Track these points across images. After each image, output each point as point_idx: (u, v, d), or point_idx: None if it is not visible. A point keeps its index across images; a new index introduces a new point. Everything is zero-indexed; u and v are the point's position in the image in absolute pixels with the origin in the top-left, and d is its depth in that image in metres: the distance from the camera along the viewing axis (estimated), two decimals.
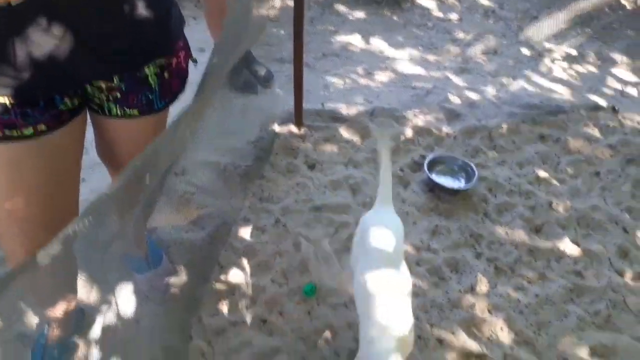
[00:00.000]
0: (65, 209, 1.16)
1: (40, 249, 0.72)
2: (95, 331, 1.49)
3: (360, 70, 2.97)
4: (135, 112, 1.14)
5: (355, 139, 2.47)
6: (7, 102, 0.95)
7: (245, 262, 1.86)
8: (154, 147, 0.95)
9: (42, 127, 1.01)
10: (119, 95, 1.09)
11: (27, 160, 1.03)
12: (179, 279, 1.73)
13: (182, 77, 1.20)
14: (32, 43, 0.91)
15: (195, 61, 1.25)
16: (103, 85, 1.07)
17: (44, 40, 0.92)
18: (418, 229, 2.04)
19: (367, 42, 3.25)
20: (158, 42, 1.10)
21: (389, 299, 1.29)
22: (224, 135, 2.28)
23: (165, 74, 1.13)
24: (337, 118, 2.56)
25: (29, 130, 0.99)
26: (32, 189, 1.06)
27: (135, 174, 0.92)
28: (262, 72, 2.72)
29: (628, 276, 1.87)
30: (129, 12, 1.00)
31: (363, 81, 2.89)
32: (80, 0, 0.92)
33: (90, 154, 2.25)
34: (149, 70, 1.09)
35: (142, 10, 1.01)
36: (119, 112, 1.13)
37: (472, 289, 1.82)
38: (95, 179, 1.92)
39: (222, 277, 1.80)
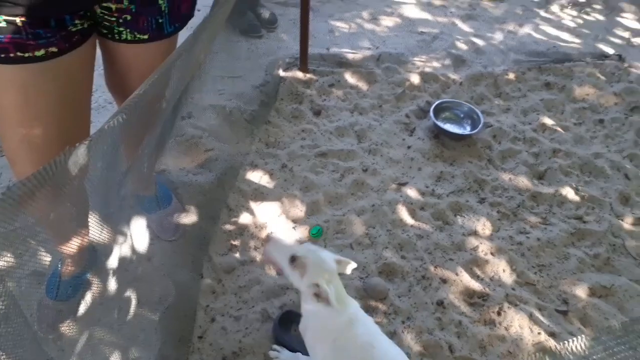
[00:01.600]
0: (78, 137, 1.16)
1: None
2: (108, 268, 1.53)
3: (365, 14, 2.91)
4: (145, 36, 1.12)
5: (361, 84, 2.45)
6: (19, 22, 0.93)
7: (253, 205, 1.88)
8: (163, 69, 0.93)
9: (54, 49, 0.99)
10: (129, 17, 1.07)
11: (40, 82, 1.01)
12: (188, 219, 1.75)
13: (191, 0, 1.18)
14: None
15: None
16: (113, 7, 1.05)
17: None
18: (423, 175, 2.06)
19: None
20: None
21: None
22: (229, 79, 2.25)
23: None
24: (343, 63, 2.52)
25: (40, 52, 0.97)
26: (44, 112, 1.05)
27: (146, 94, 0.91)
28: (266, 14, 2.65)
29: (628, 221, 1.90)
30: None
31: (368, 26, 2.83)
32: None
33: (96, 95, 2.23)
34: None
35: None
36: (129, 36, 1.11)
37: (475, 233, 1.85)
38: (101, 121, 1.90)
39: (231, 218, 1.82)
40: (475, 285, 1.68)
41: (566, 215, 1.93)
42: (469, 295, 1.66)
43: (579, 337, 0.94)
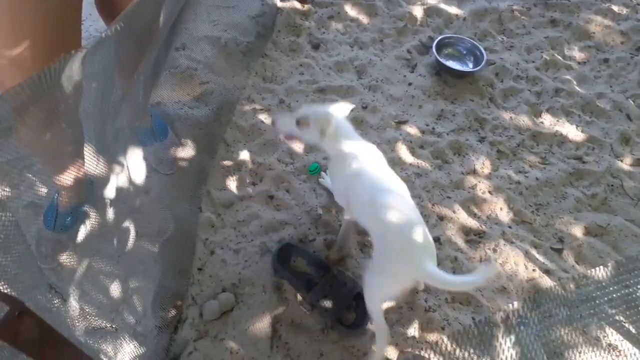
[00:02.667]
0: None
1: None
2: (106, 200, 1.51)
3: None
4: None
5: (362, 17, 2.35)
6: None
7: (251, 140, 1.84)
8: None
9: None
10: None
11: (28, 3, 0.95)
12: (185, 152, 1.72)
13: None
14: None
15: None
16: None
17: None
18: (423, 113, 2.02)
19: None
20: None
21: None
22: (224, 9, 2.15)
23: None
24: None
25: None
26: (32, 31, 1.00)
27: (140, 8, 0.85)
28: None
29: (627, 162, 1.90)
30: None
31: None
32: None
33: (85, 24, 2.13)
34: None
35: None
36: None
37: (474, 171, 1.85)
38: None
39: (229, 154, 1.79)
40: (472, 223, 1.69)
41: (566, 155, 1.92)
42: (466, 233, 1.67)
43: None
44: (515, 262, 1.59)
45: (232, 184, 1.72)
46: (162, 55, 1.51)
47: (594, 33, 2.41)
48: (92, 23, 2.13)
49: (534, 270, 1.57)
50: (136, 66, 1.12)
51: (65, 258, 1.40)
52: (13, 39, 0.98)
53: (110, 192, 1.52)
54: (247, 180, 1.73)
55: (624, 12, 2.52)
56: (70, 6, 1.05)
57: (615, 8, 2.53)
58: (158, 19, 0.94)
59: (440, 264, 1.57)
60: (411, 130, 1.95)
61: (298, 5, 2.32)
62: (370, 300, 1.26)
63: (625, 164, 1.89)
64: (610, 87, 2.18)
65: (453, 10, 2.41)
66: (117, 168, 1.56)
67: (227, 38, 2.10)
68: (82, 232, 1.42)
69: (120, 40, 0.79)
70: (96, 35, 2.08)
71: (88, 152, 1.14)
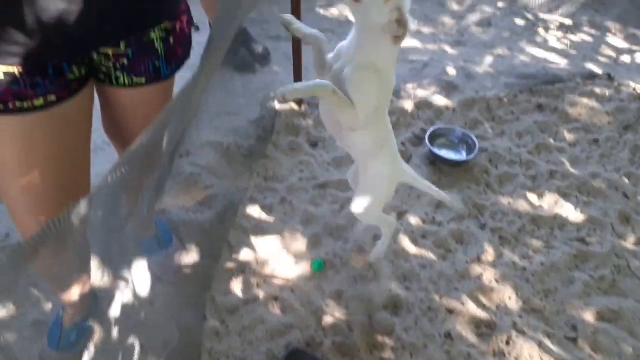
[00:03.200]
0: (78, 185, 1.16)
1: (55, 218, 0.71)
2: (111, 314, 1.50)
3: None
4: (142, 80, 1.13)
5: None
6: (17, 72, 0.93)
7: (254, 240, 1.87)
8: (163, 117, 0.94)
9: (52, 97, 0.99)
10: (126, 62, 1.08)
11: (39, 132, 1.01)
12: (190, 259, 1.73)
13: (186, 42, 1.19)
14: (41, 8, 0.89)
15: (197, 28, 1.24)
16: (110, 52, 1.06)
17: (54, 5, 0.90)
18: (422, 203, 2.06)
19: None
20: (163, 5, 1.09)
21: None
22: (225, 115, 2.26)
23: (171, 39, 1.12)
24: None
25: (39, 101, 0.98)
26: (44, 162, 1.05)
27: (146, 143, 0.91)
28: (259, 49, 2.69)
29: (631, 241, 1.90)
30: None
31: None
32: None
33: (93, 136, 2.23)
34: (155, 35, 1.09)
35: None
36: (126, 80, 1.12)
37: (478, 260, 1.84)
38: (99, 163, 1.89)
39: (233, 256, 1.81)
40: (482, 315, 1.66)
41: (568, 237, 1.93)
42: (477, 325, 1.64)
43: None
44: (530, 355, 1.54)
45: (236, 287, 1.72)
46: (168, 168, 1.57)
47: (580, 115, 2.50)
48: (100, 136, 2.23)
49: None
50: (142, 186, 1.17)
51: None
52: (24, 168, 1.03)
53: (115, 305, 1.51)
54: (252, 282, 1.73)
55: (607, 93, 2.63)
56: (79, 130, 1.12)
57: (597, 90, 2.65)
58: (162, 146, 1.00)
59: None
60: (412, 220, 1.98)
61: (295, 107, 2.45)
62: (374, 212, 1.57)
63: (629, 244, 1.89)
64: (603, 166, 2.23)
65: (442, 102, 2.53)
66: (122, 281, 1.56)
67: (229, 143, 2.19)
68: (87, 351, 1.40)
69: (125, 177, 0.84)
70: (104, 147, 2.18)
71: (94, 266, 1.16)
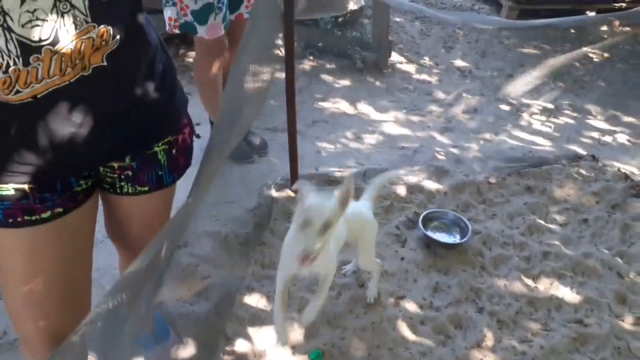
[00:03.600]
0: (80, 288, 1.19)
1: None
2: None
3: (349, 134, 3.09)
4: (145, 188, 1.19)
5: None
6: (27, 188, 1.00)
7: (251, 331, 1.86)
8: (167, 231, 0.98)
9: (59, 209, 1.05)
10: (130, 173, 1.15)
11: (45, 242, 1.06)
12: (187, 352, 1.72)
13: (188, 151, 1.27)
14: (53, 131, 0.96)
15: (198, 136, 1.33)
16: (115, 165, 1.13)
17: (64, 128, 0.97)
18: (419, 287, 2.07)
19: (355, 107, 3.39)
20: (167, 121, 1.18)
21: None
22: (223, 204, 2.33)
23: (173, 151, 1.20)
24: (331, 181, 2.63)
25: (46, 214, 1.03)
26: (49, 269, 1.09)
27: (152, 257, 0.95)
28: (257, 141, 2.82)
29: (629, 321, 1.90)
30: (141, 95, 1.07)
31: (353, 145, 3.00)
32: (100, 86, 0.97)
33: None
34: (158, 148, 1.16)
35: (152, 92, 1.09)
36: (130, 189, 1.18)
37: (478, 345, 1.83)
38: (100, 257, 1.92)
39: (229, 348, 1.79)
40: None
41: (566, 319, 1.93)
42: None
43: None
44: None
45: None
46: (165, 265, 1.61)
47: (568, 196, 2.58)
48: (100, 229, 2.29)
49: None
50: (140, 291, 1.20)
51: None
52: (28, 277, 1.07)
53: None
54: None
55: (592, 174, 2.73)
56: (84, 238, 1.17)
57: (583, 171, 2.75)
58: (160, 258, 1.04)
59: None
60: (410, 305, 1.98)
61: (292, 194, 2.52)
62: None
63: (627, 324, 1.89)
64: (595, 245, 2.27)
65: (434, 186, 2.62)
66: None
67: (226, 231, 2.24)
68: None
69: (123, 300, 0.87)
70: (104, 240, 2.22)
71: None
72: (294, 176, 2.54)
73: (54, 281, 1.10)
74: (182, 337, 1.75)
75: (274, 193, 2.54)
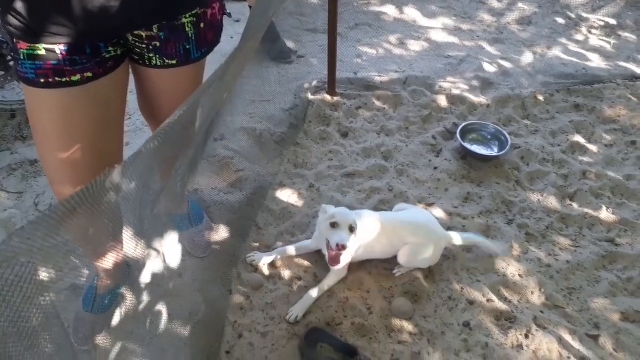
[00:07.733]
0: (112, 156, 1.23)
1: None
2: (141, 283, 1.58)
3: (393, 39, 2.96)
4: (173, 62, 1.19)
5: (388, 107, 2.48)
6: (57, 49, 1.01)
7: (281, 223, 1.92)
8: (196, 96, 0.99)
9: (89, 74, 1.07)
10: (158, 44, 1.15)
11: (76, 106, 1.09)
12: (219, 236, 1.80)
13: (216, 28, 1.24)
14: None
15: (229, 15, 1.29)
16: (143, 35, 1.12)
17: None
18: (450, 196, 2.07)
19: (401, 11, 3.23)
20: None
21: None
22: (260, 103, 2.33)
23: (201, 25, 1.18)
24: (370, 86, 2.57)
25: (76, 77, 1.05)
26: (81, 133, 1.13)
27: (179, 120, 0.96)
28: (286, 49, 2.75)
29: None
30: None
31: (396, 50, 2.88)
32: None
33: (133, 118, 2.34)
34: (186, 20, 1.14)
35: None
36: (158, 62, 1.18)
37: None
38: (138, 143, 1.99)
39: (260, 237, 1.86)
40: (503, 307, 1.66)
41: (597, 237, 1.90)
42: (496, 317, 1.64)
43: None
44: (548, 349, 1.54)
45: (262, 266, 1.77)
46: (200, 148, 1.64)
47: (619, 116, 2.45)
48: (139, 117, 2.34)
49: (568, 357, 1.52)
50: (174, 162, 1.23)
51: (100, 340, 1.45)
52: (64, 142, 1.11)
53: (146, 275, 1.59)
54: (277, 263, 1.79)
55: None
56: (115, 107, 1.19)
57: (639, 92, 2.58)
58: (195, 124, 1.05)
59: (470, 350, 1.54)
60: (438, 213, 1.99)
61: (328, 97, 2.49)
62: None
63: None
64: (639, 169, 2.18)
65: (477, 98, 2.52)
66: (153, 252, 1.64)
67: (262, 129, 2.25)
68: (118, 314, 1.49)
69: (158, 149, 0.89)
70: (142, 128, 2.27)
71: (127, 236, 1.23)
72: (331, 79, 2.49)
73: (87, 145, 1.14)
74: (215, 223, 1.83)
75: (310, 95, 2.51)
